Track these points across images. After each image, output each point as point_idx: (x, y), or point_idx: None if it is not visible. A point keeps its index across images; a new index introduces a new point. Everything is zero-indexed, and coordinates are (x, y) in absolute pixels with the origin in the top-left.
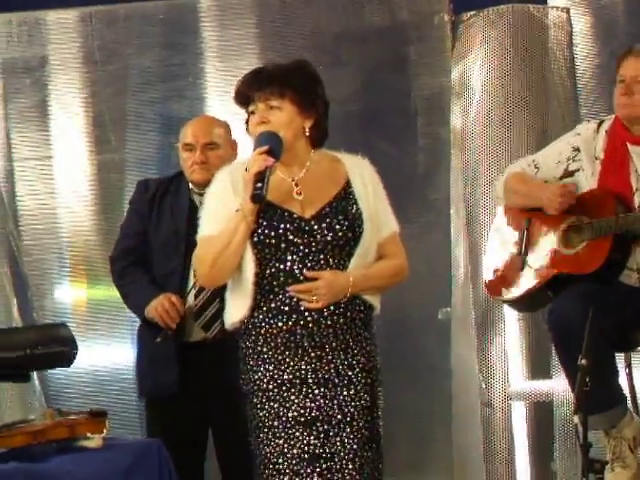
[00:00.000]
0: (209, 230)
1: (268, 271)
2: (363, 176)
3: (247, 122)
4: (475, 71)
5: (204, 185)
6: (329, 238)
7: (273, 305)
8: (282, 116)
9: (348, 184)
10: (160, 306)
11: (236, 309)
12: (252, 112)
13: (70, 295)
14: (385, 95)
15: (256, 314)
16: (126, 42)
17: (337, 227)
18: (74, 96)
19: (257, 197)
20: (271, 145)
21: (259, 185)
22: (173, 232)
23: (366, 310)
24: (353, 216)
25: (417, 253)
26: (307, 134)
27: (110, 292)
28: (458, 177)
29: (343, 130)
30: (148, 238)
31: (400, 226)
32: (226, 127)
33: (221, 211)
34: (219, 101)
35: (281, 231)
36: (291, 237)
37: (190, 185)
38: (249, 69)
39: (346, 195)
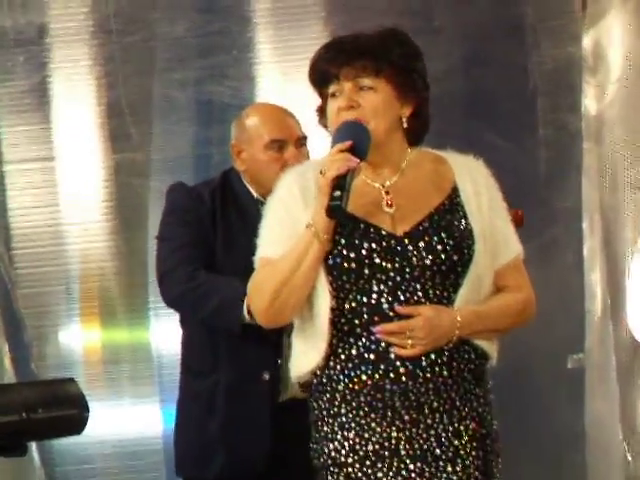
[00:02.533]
0: (271, 251)
1: (347, 306)
2: (476, 182)
3: (320, 109)
4: (616, 37)
5: None
6: (428, 262)
7: (354, 352)
8: (376, 100)
9: (455, 192)
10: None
11: (305, 357)
12: (333, 94)
13: (80, 340)
14: (493, 71)
15: (332, 364)
16: (150, 5)
17: (439, 247)
18: (82, 77)
19: (334, 209)
20: (355, 140)
21: (337, 194)
22: (249, 252)
23: (478, 359)
24: (461, 233)
25: (539, 281)
26: (405, 126)
27: (134, 334)
28: (592, 179)
29: (437, 118)
30: (215, 261)
31: None
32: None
33: (287, 226)
34: (274, 82)
35: (365, 252)
36: (378, 260)
37: (255, 194)
38: (315, 40)
39: (452, 206)
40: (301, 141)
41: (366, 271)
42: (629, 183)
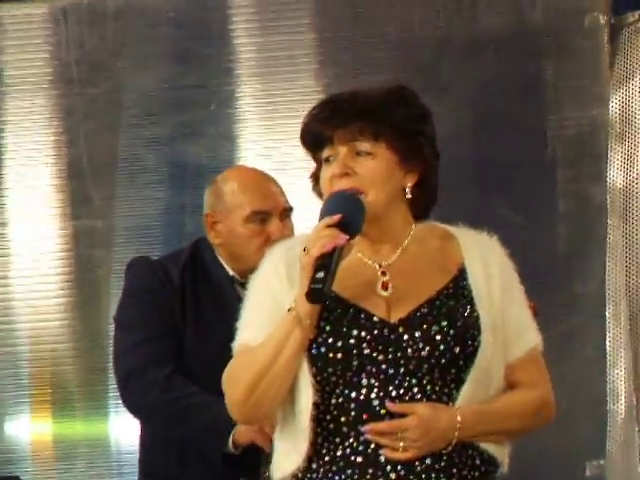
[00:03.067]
0: (250, 336)
1: (333, 401)
2: (488, 263)
3: (314, 176)
4: None
5: None
6: (425, 353)
7: (339, 453)
8: (375, 167)
9: (462, 274)
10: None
11: (286, 458)
12: (327, 159)
13: (29, 432)
14: (507, 135)
15: (314, 466)
16: (117, 52)
17: (438, 337)
18: (39, 131)
19: (314, 293)
20: (346, 213)
21: (320, 275)
22: (227, 342)
23: (484, 466)
24: (464, 322)
25: (555, 376)
26: (408, 197)
27: (91, 426)
28: (618, 260)
29: (441, 189)
30: (185, 350)
31: None
32: None
33: (269, 308)
34: (257, 143)
35: (353, 341)
36: (368, 351)
37: (231, 272)
38: (305, 96)
39: (457, 290)
40: (286, 213)
41: (354, 362)
42: None
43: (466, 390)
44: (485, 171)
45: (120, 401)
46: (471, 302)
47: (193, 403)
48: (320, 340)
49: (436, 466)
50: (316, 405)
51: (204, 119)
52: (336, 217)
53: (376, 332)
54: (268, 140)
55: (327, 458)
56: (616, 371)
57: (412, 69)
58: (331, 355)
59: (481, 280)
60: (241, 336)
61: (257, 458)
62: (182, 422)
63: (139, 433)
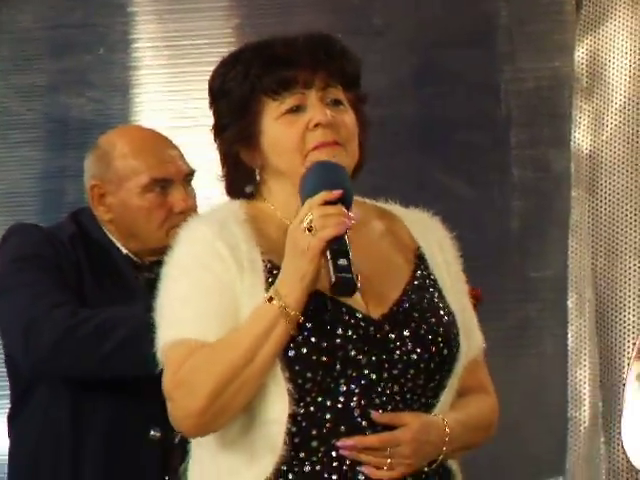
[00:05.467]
0: (197, 332)
1: (301, 411)
2: (443, 248)
3: (244, 134)
4: (619, 48)
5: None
6: (414, 356)
7: (308, 469)
8: (351, 120)
9: (422, 261)
10: None
11: (236, 475)
12: (296, 108)
13: None
14: (452, 89)
15: None
16: None
17: (429, 337)
18: None
19: (346, 283)
20: (345, 189)
21: (343, 262)
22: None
23: None
24: (447, 318)
25: (506, 376)
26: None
27: None
28: (583, 240)
29: (376, 152)
30: None
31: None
32: None
33: (219, 296)
34: (154, 94)
35: (339, 341)
36: (353, 353)
37: (124, 251)
38: (213, 39)
39: (424, 280)
40: (188, 178)
41: (338, 366)
42: (633, 247)
43: (444, 400)
44: (426, 131)
45: None
46: (440, 294)
47: (107, 317)
48: (300, 340)
49: None
50: (290, 415)
51: (90, 65)
52: (337, 192)
53: (361, 331)
54: (168, 92)
55: (291, 476)
56: (579, 371)
57: (342, 8)
58: (314, 357)
59: (443, 268)
60: (180, 332)
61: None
62: (102, 341)
63: (10, 442)
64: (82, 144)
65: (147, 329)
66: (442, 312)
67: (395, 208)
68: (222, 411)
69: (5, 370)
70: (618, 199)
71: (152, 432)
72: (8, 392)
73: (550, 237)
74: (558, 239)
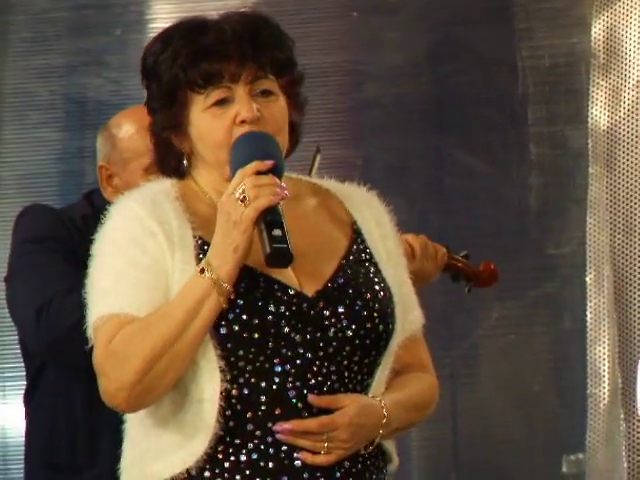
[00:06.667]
0: (127, 305)
1: (234, 392)
2: (380, 222)
3: (173, 122)
4: (634, 25)
5: None
6: (350, 333)
7: (243, 458)
8: (280, 110)
9: (359, 235)
10: None
11: (165, 460)
12: (222, 101)
13: None
14: (469, 68)
15: (208, 474)
16: None
17: (364, 314)
18: None
19: (281, 254)
20: (275, 158)
21: (278, 232)
22: None
23: (385, 466)
24: (383, 293)
25: (525, 353)
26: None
27: None
28: (601, 217)
29: (392, 129)
30: None
31: (495, 304)
32: None
33: (149, 271)
34: None
35: (271, 318)
36: (287, 330)
37: None
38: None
39: (359, 254)
40: None
41: (270, 344)
42: None
43: (379, 377)
44: (443, 109)
45: (5, 385)
46: (377, 269)
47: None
48: (231, 317)
49: (353, 470)
50: (223, 396)
51: (108, 46)
52: (269, 162)
53: (294, 308)
54: None
55: (227, 464)
56: (598, 348)
57: None
58: (246, 335)
59: (379, 242)
60: (111, 305)
61: None
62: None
63: (30, 419)
64: (100, 125)
65: None
66: (377, 287)
67: (330, 184)
68: (153, 384)
69: (20, 351)
70: (636, 175)
71: None
72: (24, 373)
73: (568, 214)
74: (576, 216)
